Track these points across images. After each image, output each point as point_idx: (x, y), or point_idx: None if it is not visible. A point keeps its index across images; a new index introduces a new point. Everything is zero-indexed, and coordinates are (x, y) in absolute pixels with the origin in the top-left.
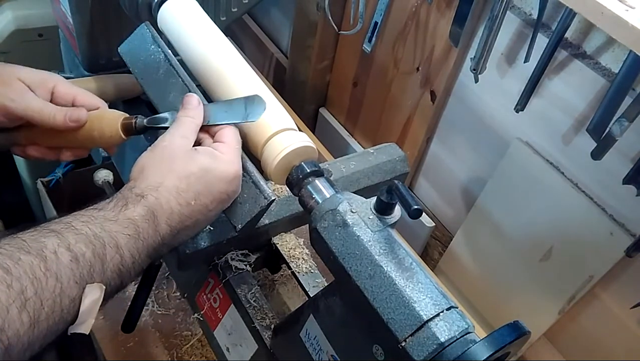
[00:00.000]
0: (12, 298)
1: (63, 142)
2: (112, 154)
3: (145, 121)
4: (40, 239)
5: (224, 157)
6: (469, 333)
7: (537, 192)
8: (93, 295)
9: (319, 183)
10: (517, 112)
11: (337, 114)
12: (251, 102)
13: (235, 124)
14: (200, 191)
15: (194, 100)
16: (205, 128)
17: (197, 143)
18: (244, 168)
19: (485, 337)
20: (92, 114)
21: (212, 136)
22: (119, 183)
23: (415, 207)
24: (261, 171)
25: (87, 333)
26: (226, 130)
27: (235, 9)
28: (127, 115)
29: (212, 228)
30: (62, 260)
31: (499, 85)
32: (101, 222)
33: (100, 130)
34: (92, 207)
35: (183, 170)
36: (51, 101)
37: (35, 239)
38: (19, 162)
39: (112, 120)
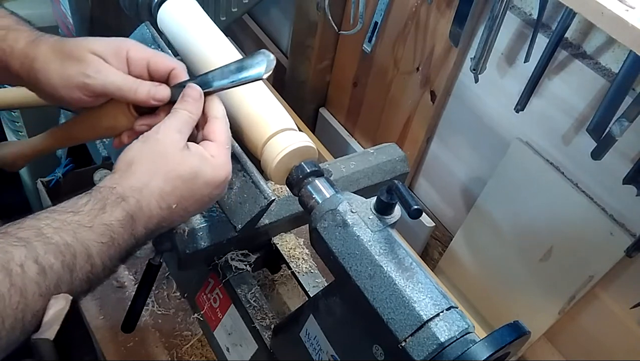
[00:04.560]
0: None
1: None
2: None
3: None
4: (7, 248)
5: (214, 162)
6: (469, 333)
7: (537, 192)
8: (58, 306)
9: (319, 183)
10: (517, 112)
11: (337, 114)
12: (254, 58)
13: (239, 84)
14: (184, 196)
15: (195, 92)
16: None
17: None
18: (244, 168)
19: (485, 337)
20: (102, 105)
21: (204, 125)
22: None
23: (415, 207)
24: (261, 171)
25: (52, 339)
26: (217, 126)
27: (235, 9)
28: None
29: (211, 229)
30: (29, 274)
31: (499, 85)
32: (74, 228)
33: (114, 117)
34: (67, 207)
35: (172, 172)
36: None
37: (2, 248)
38: None
39: (120, 105)
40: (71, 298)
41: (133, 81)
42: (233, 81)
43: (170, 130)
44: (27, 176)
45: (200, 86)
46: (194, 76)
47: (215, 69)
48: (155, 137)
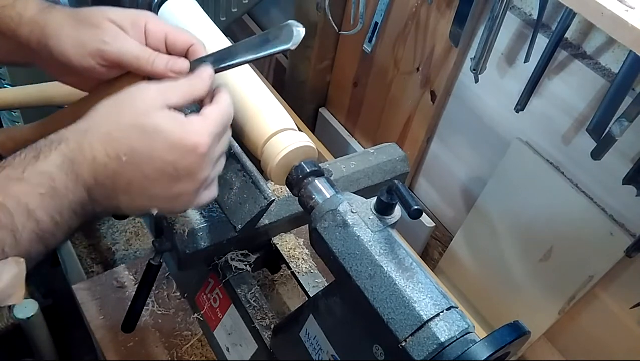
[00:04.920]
0: None
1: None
2: None
3: None
4: None
5: (187, 126)
6: (469, 333)
7: (537, 192)
8: (11, 270)
9: (319, 182)
10: (517, 112)
11: (337, 114)
12: (281, 29)
13: (261, 57)
14: (137, 149)
15: (205, 73)
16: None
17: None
18: (244, 168)
19: (485, 337)
20: (114, 80)
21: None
22: None
23: (415, 207)
24: (261, 171)
25: (20, 303)
26: (213, 107)
27: (235, 9)
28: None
29: (211, 229)
30: None
31: (499, 85)
32: (2, 185)
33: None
34: None
35: (128, 119)
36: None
37: None
38: None
39: (134, 81)
40: (22, 260)
41: (151, 51)
42: (258, 53)
43: (151, 87)
44: None
45: (223, 59)
46: (215, 50)
47: (239, 42)
48: (129, 90)
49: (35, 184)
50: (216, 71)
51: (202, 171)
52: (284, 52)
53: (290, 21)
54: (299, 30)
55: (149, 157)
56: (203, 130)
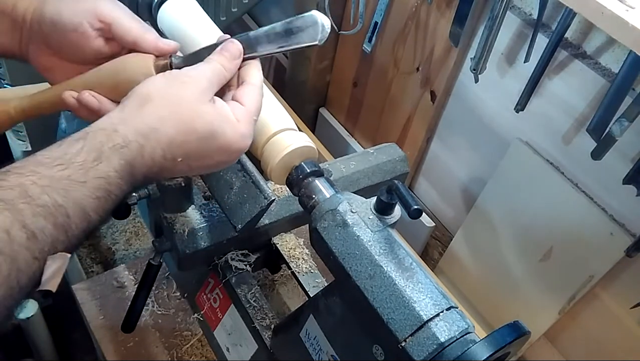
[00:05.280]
0: None
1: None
2: None
3: (183, 61)
4: None
5: (237, 127)
6: (469, 333)
7: (537, 192)
8: (56, 264)
9: (319, 183)
10: (517, 112)
11: (337, 114)
12: (304, 20)
13: (289, 50)
14: (192, 153)
15: (235, 49)
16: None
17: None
18: (244, 168)
19: (485, 337)
20: (118, 58)
21: (237, 87)
22: None
23: (415, 207)
24: (261, 171)
25: (54, 290)
26: (251, 91)
27: (235, 9)
28: (156, 57)
29: (211, 229)
30: (17, 240)
31: (499, 85)
32: (65, 186)
33: (132, 74)
34: (56, 158)
35: (187, 123)
36: None
37: None
38: (18, 158)
39: (142, 62)
40: (69, 255)
41: (143, 24)
42: (282, 47)
43: (202, 76)
44: None
45: (244, 50)
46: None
47: (258, 31)
48: (183, 79)
49: (94, 188)
50: None
51: (237, 158)
52: (309, 46)
53: (313, 13)
54: (324, 25)
55: (201, 157)
56: (249, 130)
